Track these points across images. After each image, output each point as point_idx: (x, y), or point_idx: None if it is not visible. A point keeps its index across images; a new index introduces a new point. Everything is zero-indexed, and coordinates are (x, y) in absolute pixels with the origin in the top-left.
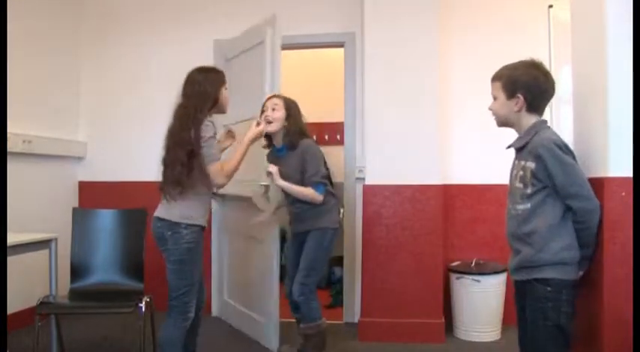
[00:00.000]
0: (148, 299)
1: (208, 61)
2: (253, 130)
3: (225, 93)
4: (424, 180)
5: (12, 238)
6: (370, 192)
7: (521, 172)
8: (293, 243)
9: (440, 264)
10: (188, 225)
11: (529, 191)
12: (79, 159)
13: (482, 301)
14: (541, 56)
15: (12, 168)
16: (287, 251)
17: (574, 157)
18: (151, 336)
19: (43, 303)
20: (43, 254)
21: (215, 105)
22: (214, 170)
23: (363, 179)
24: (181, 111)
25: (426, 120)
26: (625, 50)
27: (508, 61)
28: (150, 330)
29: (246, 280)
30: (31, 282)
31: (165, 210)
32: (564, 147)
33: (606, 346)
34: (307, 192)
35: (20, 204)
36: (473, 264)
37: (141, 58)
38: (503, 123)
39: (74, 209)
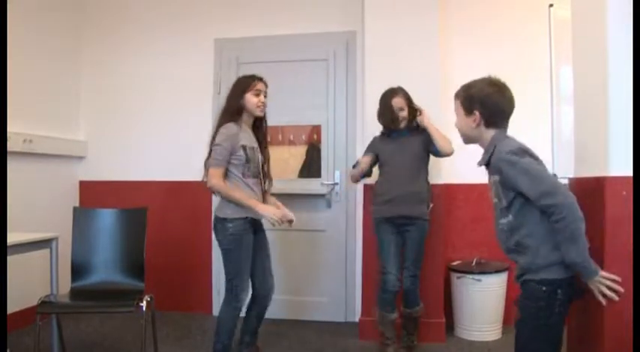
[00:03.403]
0: (148, 299)
1: (209, 61)
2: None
3: (251, 97)
4: None
5: (12, 237)
6: (371, 191)
7: (493, 187)
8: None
9: (441, 263)
10: (231, 219)
11: (505, 204)
12: (80, 158)
13: (483, 300)
14: (541, 55)
15: (12, 167)
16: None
17: (536, 158)
18: (152, 336)
19: (43, 303)
20: (43, 253)
21: (240, 111)
22: (211, 172)
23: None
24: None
25: None
26: (625, 49)
27: (508, 60)
28: (150, 330)
29: None
30: (31, 282)
31: (216, 207)
32: (521, 152)
33: (606, 346)
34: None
35: (21, 203)
36: (474, 263)
37: (141, 57)
38: (467, 139)
39: (75, 208)
